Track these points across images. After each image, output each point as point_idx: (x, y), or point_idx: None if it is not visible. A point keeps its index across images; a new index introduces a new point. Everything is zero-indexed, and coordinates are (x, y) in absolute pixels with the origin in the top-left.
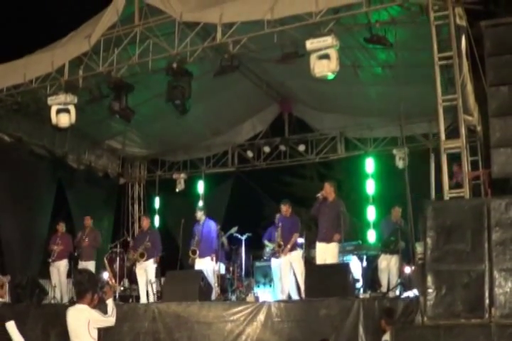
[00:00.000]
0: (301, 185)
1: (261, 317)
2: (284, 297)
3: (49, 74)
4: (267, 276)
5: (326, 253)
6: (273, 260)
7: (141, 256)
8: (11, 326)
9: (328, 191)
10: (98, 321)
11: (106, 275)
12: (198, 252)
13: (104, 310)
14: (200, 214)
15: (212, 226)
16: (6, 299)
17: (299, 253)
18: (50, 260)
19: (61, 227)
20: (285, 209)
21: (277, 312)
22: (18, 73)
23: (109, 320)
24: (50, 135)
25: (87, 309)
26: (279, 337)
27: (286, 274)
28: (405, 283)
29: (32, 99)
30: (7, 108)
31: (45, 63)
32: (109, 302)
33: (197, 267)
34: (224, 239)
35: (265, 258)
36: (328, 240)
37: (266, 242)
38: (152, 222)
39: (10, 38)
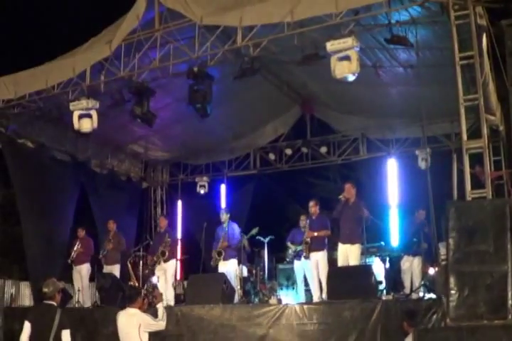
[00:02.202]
0: (324, 187)
1: (284, 319)
2: (316, 298)
3: (71, 80)
4: (290, 279)
5: (350, 254)
6: (296, 262)
7: (163, 254)
8: (66, 334)
9: (350, 192)
10: (149, 325)
11: (155, 279)
12: (223, 254)
13: (153, 314)
14: (224, 217)
15: (236, 228)
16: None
17: (325, 254)
18: (69, 261)
19: (81, 233)
20: (313, 207)
21: (300, 315)
22: (40, 79)
23: (160, 324)
24: (73, 140)
25: (138, 313)
26: (302, 339)
27: (316, 274)
28: (428, 285)
29: (54, 105)
30: (30, 114)
31: (67, 69)
32: (160, 306)
33: (220, 270)
34: (245, 241)
35: (288, 260)
36: (351, 241)
37: (289, 244)
38: (173, 225)
39: (31, 44)
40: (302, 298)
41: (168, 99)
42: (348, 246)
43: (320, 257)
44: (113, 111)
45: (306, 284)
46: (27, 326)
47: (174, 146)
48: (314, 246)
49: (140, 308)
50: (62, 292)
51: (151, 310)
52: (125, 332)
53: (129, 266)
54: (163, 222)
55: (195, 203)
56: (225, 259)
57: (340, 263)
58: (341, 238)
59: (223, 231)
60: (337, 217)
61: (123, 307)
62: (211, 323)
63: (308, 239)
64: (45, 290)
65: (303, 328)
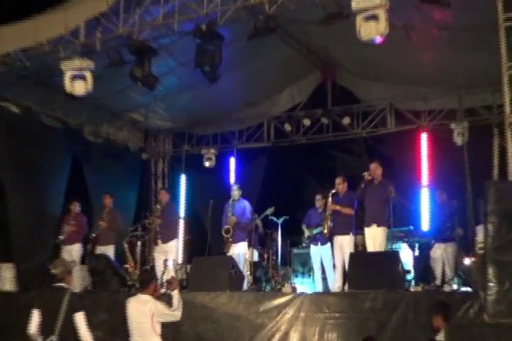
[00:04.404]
0: (347, 162)
1: (297, 310)
2: (335, 288)
3: (62, 37)
4: (306, 265)
5: (376, 239)
6: (312, 247)
7: (156, 236)
8: (80, 317)
9: (376, 172)
10: (163, 315)
11: (171, 262)
12: (231, 232)
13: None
14: (236, 193)
15: (247, 206)
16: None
17: (351, 239)
18: (59, 240)
19: (74, 207)
20: (340, 185)
21: (316, 306)
22: (27, 35)
23: (175, 314)
24: (64, 105)
25: (151, 300)
26: (317, 333)
27: (340, 262)
28: (463, 276)
29: (43, 64)
30: (15, 74)
31: (58, 24)
32: (175, 293)
33: (228, 253)
34: (258, 222)
35: (304, 245)
36: (377, 223)
37: (304, 227)
38: (176, 202)
39: None
40: (319, 287)
41: (173, 63)
42: (374, 228)
43: (346, 242)
44: (110, 73)
45: (324, 271)
46: (35, 314)
47: (178, 115)
48: (339, 228)
49: (153, 295)
50: (49, 275)
51: (165, 298)
52: (137, 321)
53: (126, 246)
54: (164, 196)
55: (201, 178)
56: (233, 242)
57: (369, 248)
58: (367, 221)
59: (231, 207)
60: (359, 197)
61: (133, 294)
62: (215, 312)
63: (330, 212)
64: (54, 271)
65: (319, 321)
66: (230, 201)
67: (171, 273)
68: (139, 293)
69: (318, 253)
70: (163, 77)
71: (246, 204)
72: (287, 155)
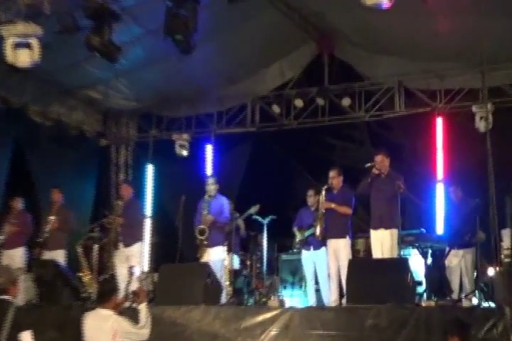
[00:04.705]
0: (347, 151)
1: (286, 328)
2: (330, 301)
3: None
4: (297, 274)
5: (384, 243)
6: (304, 252)
7: (117, 238)
8: (27, 338)
9: (383, 164)
10: (128, 333)
11: (137, 269)
12: (206, 233)
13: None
14: (212, 188)
15: (225, 203)
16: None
17: (347, 243)
18: None
19: (17, 204)
20: (335, 179)
21: (309, 322)
22: None
23: (142, 332)
24: (4, 79)
25: (113, 316)
26: None
27: (334, 269)
28: (485, 289)
29: None
30: None
31: None
32: (142, 308)
33: (203, 259)
34: (240, 222)
35: (295, 250)
36: (385, 225)
37: (295, 230)
38: (142, 197)
39: None
40: (312, 301)
41: (138, 30)
42: (382, 231)
43: (341, 246)
44: (62, 41)
45: (317, 281)
46: None
47: (145, 93)
48: (334, 230)
49: (115, 309)
50: None
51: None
52: (94, 339)
53: (80, 251)
54: (126, 191)
55: (171, 169)
56: (209, 245)
57: (376, 254)
58: (373, 222)
59: (207, 204)
60: (362, 193)
61: (90, 308)
62: (187, 329)
63: (323, 211)
64: None
65: (310, 340)
66: (206, 197)
67: (137, 283)
68: (99, 307)
69: (310, 259)
70: (126, 47)
71: (224, 201)
72: (275, 142)
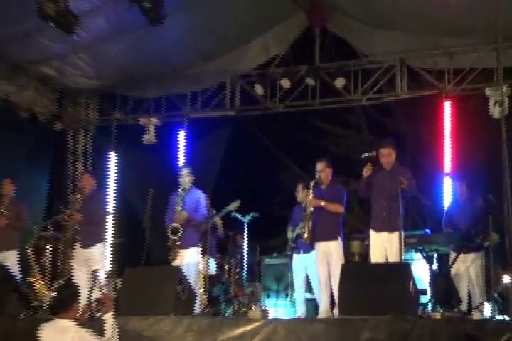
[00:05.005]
0: (342, 138)
1: None
2: (323, 313)
3: None
4: (282, 280)
5: (389, 248)
6: (295, 256)
7: (74, 237)
8: None
9: (389, 158)
10: None
11: (102, 273)
12: (180, 232)
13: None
14: (187, 181)
15: (202, 197)
16: None
17: (339, 245)
18: None
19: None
20: (323, 172)
21: (295, 336)
22: None
23: None
24: None
25: (73, 327)
26: None
27: (324, 276)
28: (499, 299)
29: None
30: None
31: None
32: (108, 317)
33: (175, 262)
34: (217, 220)
35: (288, 253)
36: (391, 228)
37: (289, 231)
38: (103, 190)
39: None
40: (301, 311)
41: None
42: (385, 234)
43: (332, 249)
44: (9, 8)
45: (310, 289)
46: None
47: (107, 71)
48: (323, 231)
49: (76, 320)
50: None
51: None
52: None
53: (30, 252)
54: (88, 182)
55: (138, 158)
56: (183, 246)
57: (375, 259)
58: (373, 222)
59: (181, 199)
60: (363, 191)
61: (47, 319)
62: None
63: (311, 210)
64: None
65: None
66: (180, 190)
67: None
68: (57, 318)
69: (300, 263)
70: (85, 16)
71: (200, 196)
72: (258, 128)
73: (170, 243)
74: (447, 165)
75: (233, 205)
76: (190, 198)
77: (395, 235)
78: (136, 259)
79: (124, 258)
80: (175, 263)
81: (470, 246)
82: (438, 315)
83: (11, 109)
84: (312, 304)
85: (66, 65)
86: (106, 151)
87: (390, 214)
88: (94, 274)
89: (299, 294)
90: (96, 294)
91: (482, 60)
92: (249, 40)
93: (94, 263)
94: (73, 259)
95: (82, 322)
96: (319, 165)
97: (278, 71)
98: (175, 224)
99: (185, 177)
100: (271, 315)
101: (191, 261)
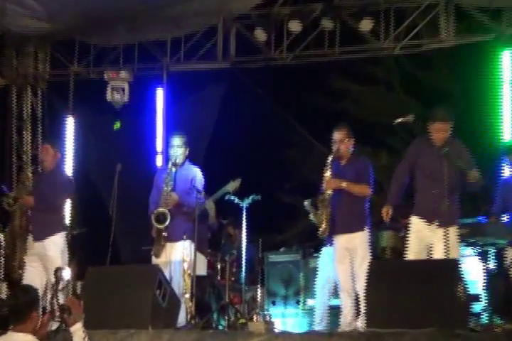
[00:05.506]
0: (367, 98)
1: None
2: (345, 325)
3: None
4: (292, 283)
5: (437, 243)
6: (324, 248)
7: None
8: None
9: (445, 133)
10: None
11: (67, 274)
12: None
13: None
14: (179, 153)
15: (198, 176)
16: None
17: (365, 236)
18: None
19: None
20: (342, 143)
21: None
22: None
23: None
24: None
25: None
26: None
27: (343, 275)
28: None
29: None
30: None
31: None
32: (77, 329)
33: (160, 258)
34: (209, 205)
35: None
36: (448, 222)
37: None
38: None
39: None
40: (320, 322)
41: None
42: (438, 229)
43: (357, 243)
44: None
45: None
46: None
47: (63, 10)
48: (343, 221)
49: (36, 333)
50: None
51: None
52: None
53: None
54: (49, 155)
55: (103, 123)
56: (171, 238)
57: (412, 254)
58: (418, 210)
59: (170, 176)
60: (403, 168)
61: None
62: None
63: (329, 194)
64: None
65: None
66: (169, 165)
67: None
68: (11, 331)
69: (327, 258)
70: None
71: (197, 173)
72: (259, 85)
73: (154, 233)
74: (507, 130)
75: (232, 185)
76: (183, 176)
77: (452, 230)
78: (100, 256)
79: (85, 254)
80: (159, 260)
81: None
82: (496, 328)
83: None
84: (332, 315)
85: (7, 2)
86: (61, 115)
87: (448, 204)
88: (57, 273)
89: (320, 296)
90: (60, 299)
91: None
92: None
93: (51, 259)
94: (26, 254)
95: (43, 336)
96: (338, 134)
97: (285, 11)
98: (161, 209)
99: (177, 149)
100: (277, 327)
101: (175, 258)
